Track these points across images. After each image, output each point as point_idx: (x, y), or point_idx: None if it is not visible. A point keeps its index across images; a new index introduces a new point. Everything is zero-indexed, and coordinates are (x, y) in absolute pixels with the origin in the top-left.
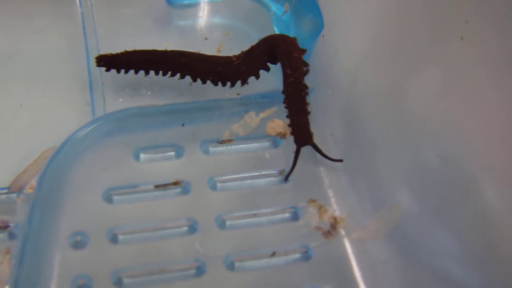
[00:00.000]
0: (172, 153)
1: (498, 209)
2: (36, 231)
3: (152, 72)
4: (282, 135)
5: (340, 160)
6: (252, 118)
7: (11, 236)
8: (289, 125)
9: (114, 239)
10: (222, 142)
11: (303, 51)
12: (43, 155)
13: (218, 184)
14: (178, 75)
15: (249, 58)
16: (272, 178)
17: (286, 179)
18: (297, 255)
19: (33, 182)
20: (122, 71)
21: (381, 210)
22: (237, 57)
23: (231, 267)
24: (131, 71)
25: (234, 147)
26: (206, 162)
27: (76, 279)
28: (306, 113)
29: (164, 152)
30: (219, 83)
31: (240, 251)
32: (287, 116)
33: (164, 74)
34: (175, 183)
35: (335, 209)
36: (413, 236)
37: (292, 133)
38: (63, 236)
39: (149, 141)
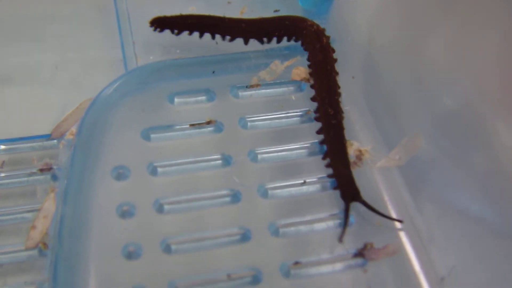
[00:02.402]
0: (204, 97)
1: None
2: (78, 170)
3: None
4: (307, 80)
5: (400, 221)
6: (278, 66)
7: (54, 177)
8: (331, 176)
9: (153, 172)
10: (250, 86)
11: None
12: (81, 105)
13: (249, 123)
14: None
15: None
16: (298, 118)
17: (340, 240)
18: (327, 183)
19: (73, 129)
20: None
21: (403, 139)
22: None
23: (265, 194)
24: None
25: (262, 91)
26: (237, 104)
27: (120, 207)
28: (349, 164)
29: (197, 96)
30: (265, 40)
31: (272, 179)
32: (328, 166)
33: (213, 37)
34: (209, 122)
35: (360, 142)
36: (430, 174)
37: (338, 187)
38: (106, 170)
39: (182, 87)
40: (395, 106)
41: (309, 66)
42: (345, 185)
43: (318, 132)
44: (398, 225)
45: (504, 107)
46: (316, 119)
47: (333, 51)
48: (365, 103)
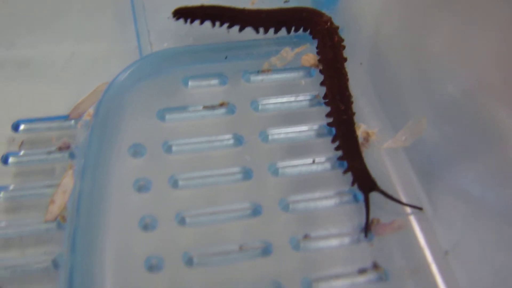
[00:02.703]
0: (217, 81)
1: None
2: (96, 148)
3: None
4: (316, 66)
5: (420, 208)
6: (288, 53)
7: (72, 156)
8: (347, 171)
9: (168, 150)
10: (262, 71)
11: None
12: (98, 88)
13: (260, 106)
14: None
15: None
16: (308, 102)
17: (365, 235)
18: (336, 163)
19: (91, 110)
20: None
21: (408, 121)
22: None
23: (275, 173)
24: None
25: (273, 76)
26: (248, 88)
27: (137, 182)
28: (362, 157)
29: (210, 80)
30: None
31: (282, 158)
32: (340, 158)
33: (230, 27)
34: (221, 104)
35: (368, 125)
36: (434, 157)
37: (355, 181)
38: (122, 148)
39: (196, 72)
40: (400, 92)
41: (319, 61)
42: (362, 177)
43: (327, 115)
44: (404, 201)
45: (505, 95)
46: (328, 115)
47: (344, 47)
48: (372, 88)
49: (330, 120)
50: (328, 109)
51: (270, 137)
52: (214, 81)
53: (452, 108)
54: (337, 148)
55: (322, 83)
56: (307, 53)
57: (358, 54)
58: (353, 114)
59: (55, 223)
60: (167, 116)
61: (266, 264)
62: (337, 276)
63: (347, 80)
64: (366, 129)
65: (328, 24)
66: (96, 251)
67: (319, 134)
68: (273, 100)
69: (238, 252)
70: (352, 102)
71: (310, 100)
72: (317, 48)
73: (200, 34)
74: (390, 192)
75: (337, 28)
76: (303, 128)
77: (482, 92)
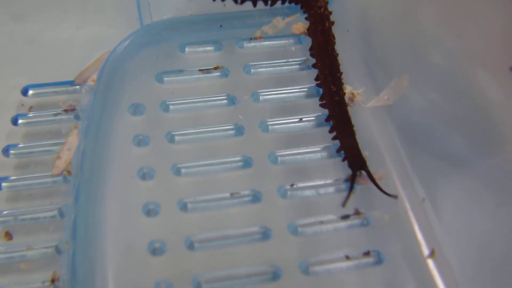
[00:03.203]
0: (212, 47)
1: (495, 99)
2: (99, 110)
3: None
4: (305, 34)
5: (395, 196)
6: (279, 22)
7: (77, 117)
8: (340, 149)
9: (166, 109)
10: (254, 38)
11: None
12: (101, 56)
13: (252, 69)
14: None
15: None
16: (298, 66)
17: (343, 205)
18: (322, 121)
19: (94, 76)
20: None
21: (391, 81)
22: None
23: (265, 129)
24: None
25: (265, 43)
26: (241, 53)
27: (136, 137)
28: (354, 136)
29: (206, 46)
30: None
31: (272, 116)
32: (334, 138)
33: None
34: (216, 68)
35: (353, 87)
36: (418, 121)
37: (346, 158)
38: (123, 109)
39: (192, 39)
40: (386, 59)
41: (311, 48)
42: (353, 156)
43: (320, 98)
44: (386, 156)
45: (491, 63)
46: (321, 98)
47: (334, 36)
48: (358, 54)
49: (323, 102)
50: (316, 72)
51: (261, 98)
52: (210, 48)
53: (438, 76)
54: (331, 129)
55: (314, 65)
56: (297, 22)
57: (346, 21)
58: (344, 94)
59: (61, 177)
60: (165, 79)
61: (257, 211)
62: (321, 222)
63: (338, 63)
64: (351, 90)
65: (322, 9)
66: (98, 201)
67: (307, 95)
68: (264, 64)
69: (229, 195)
70: (342, 83)
71: (300, 64)
72: (308, 30)
73: (198, 8)
74: (373, 150)
75: (330, 13)
76: (292, 89)
77: (468, 60)
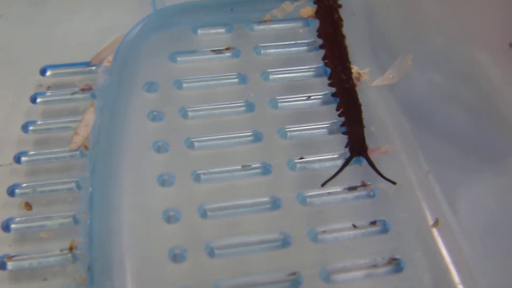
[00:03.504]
0: (223, 29)
1: (494, 76)
2: (114, 88)
3: None
4: (313, 17)
5: (394, 182)
6: (288, 6)
7: (93, 96)
8: (345, 133)
9: (179, 86)
10: (264, 21)
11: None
12: (116, 39)
13: (262, 50)
14: None
15: None
16: (305, 47)
17: (323, 184)
18: (329, 99)
19: (110, 58)
20: None
21: (396, 60)
22: None
23: (275, 106)
24: None
25: (274, 25)
26: (252, 35)
27: (151, 113)
28: (362, 125)
29: (217, 29)
30: None
31: (281, 94)
32: (342, 125)
33: None
34: (227, 48)
35: (359, 66)
36: (422, 100)
37: (348, 143)
38: (138, 86)
39: (204, 23)
40: (391, 40)
41: (319, 36)
42: (356, 140)
43: (323, 58)
44: (391, 131)
45: (489, 43)
46: (330, 85)
47: (342, 22)
48: (364, 35)
49: (334, 90)
50: (323, 52)
51: (271, 77)
52: (221, 30)
53: (439, 57)
54: (340, 115)
55: (323, 58)
56: (305, 6)
57: (352, 4)
58: (355, 84)
59: (78, 152)
60: (178, 59)
61: (267, 182)
62: (329, 193)
63: (347, 52)
64: (358, 70)
65: (331, 2)
66: (114, 173)
67: (315, 75)
68: (274, 45)
69: (240, 167)
70: (352, 72)
71: (307, 45)
72: (316, 13)
73: None
74: (378, 126)
75: (340, 6)
76: (301, 69)
77: (468, 39)
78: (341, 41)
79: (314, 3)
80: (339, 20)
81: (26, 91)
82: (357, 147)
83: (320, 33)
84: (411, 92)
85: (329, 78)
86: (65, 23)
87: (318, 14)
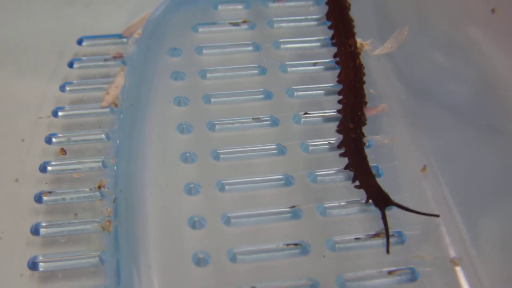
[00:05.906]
0: (241, 6)
1: (496, 60)
2: (142, 55)
3: None
4: None
5: (437, 215)
6: None
7: (123, 62)
8: (359, 187)
9: (200, 52)
10: (277, 0)
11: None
12: (145, 15)
13: (275, 24)
14: None
15: None
16: (315, 22)
17: (387, 251)
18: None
19: (139, 31)
20: None
21: (394, 32)
22: None
23: (285, 70)
24: None
25: (287, 3)
26: (266, 11)
27: (174, 74)
28: (372, 173)
29: (235, 5)
30: None
31: (291, 60)
32: (354, 180)
33: None
34: (244, 21)
35: (362, 38)
36: (423, 73)
37: (369, 198)
38: (163, 53)
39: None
40: (393, 14)
41: (339, 82)
42: (375, 194)
43: (339, 102)
44: (388, 93)
45: (491, 28)
46: (338, 131)
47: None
48: (368, 11)
49: (340, 137)
50: (331, 32)
51: (282, 46)
52: (239, 6)
53: (442, 39)
54: (346, 167)
55: (339, 101)
56: None
57: None
58: (362, 134)
59: (109, 109)
60: (200, 29)
61: (279, 162)
62: (338, 171)
63: (363, 102)
64: (361, 41)
65: (353, 48)
66: (139, 126)
67: (321, 45)
68: (286, 20)
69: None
70: (365, 123)
71: (317, 20)
72: (337, 64)
73: None
74: (377, 88)
75: (359, 53)
76: (309, 39)
77: (471, 26)
78: (359, 89)
79: (333, 44)
80: (361, 66)
81: (64, 59)
82: (381, 200)
83: (341, 78)
84: (409, 62)
85: (338, 126)
86: (97, 8)
87: (340, 60)
